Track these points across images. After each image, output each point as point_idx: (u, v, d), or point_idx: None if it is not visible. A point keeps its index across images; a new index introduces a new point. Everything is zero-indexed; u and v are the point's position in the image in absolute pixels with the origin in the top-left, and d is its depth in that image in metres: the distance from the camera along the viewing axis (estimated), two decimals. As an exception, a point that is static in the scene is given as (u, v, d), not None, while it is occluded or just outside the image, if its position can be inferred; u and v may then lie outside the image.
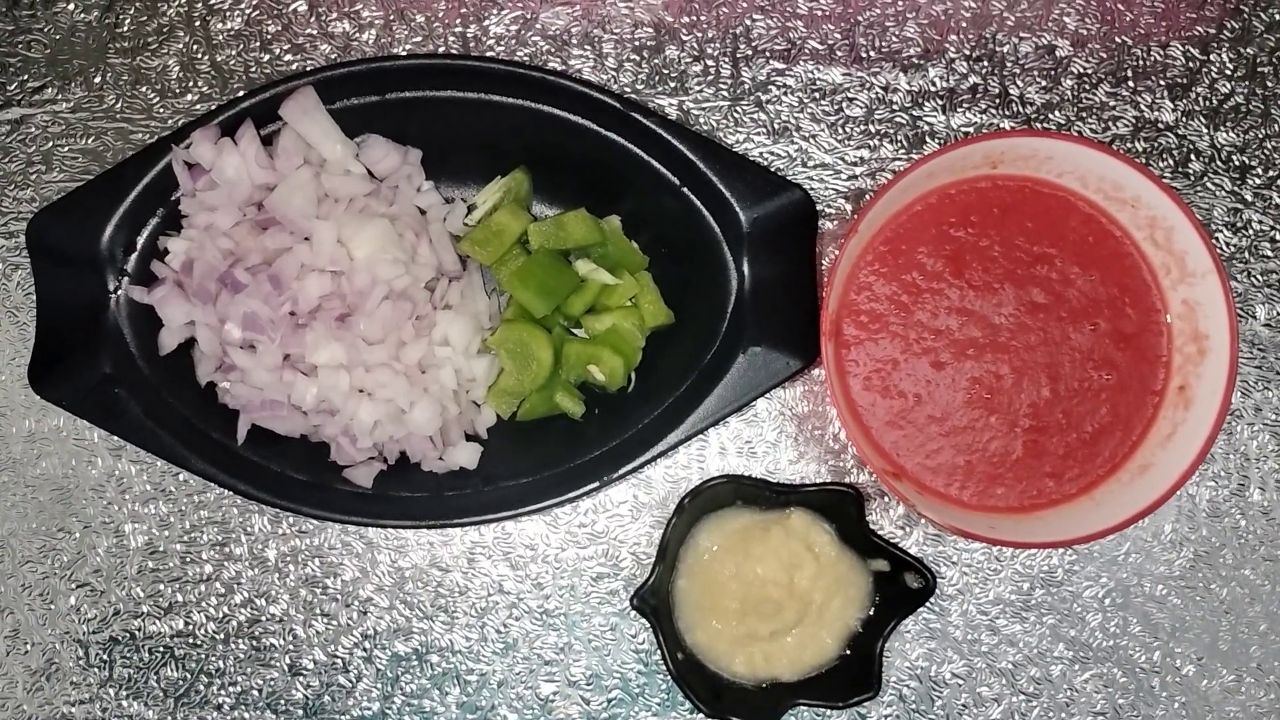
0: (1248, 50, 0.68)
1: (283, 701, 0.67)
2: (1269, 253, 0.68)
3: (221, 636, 0.67)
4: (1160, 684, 0.67)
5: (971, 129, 0.68)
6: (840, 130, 0.68)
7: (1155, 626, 0.67)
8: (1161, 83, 0.68)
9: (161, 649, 0.67)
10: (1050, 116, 0.68)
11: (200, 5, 0.68)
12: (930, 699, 0.67)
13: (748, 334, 0.64)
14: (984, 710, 0.67)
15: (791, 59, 0.68)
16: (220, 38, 0.68)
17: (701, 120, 0.68)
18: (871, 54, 0.68)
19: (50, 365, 0.63)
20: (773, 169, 0.67)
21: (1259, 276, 0.68)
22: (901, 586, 0.64)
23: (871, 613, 0.64)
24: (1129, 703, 0.67)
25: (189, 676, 0.67)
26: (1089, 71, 0.68)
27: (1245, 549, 0.67)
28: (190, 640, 0.67)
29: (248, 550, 0.67)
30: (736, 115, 0.68)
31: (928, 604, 0.65)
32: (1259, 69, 0.68)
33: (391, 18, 0.68)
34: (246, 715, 0.67)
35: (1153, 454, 0.61)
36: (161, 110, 0.68)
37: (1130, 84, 0.68)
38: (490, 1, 0.68)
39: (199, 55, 0.68)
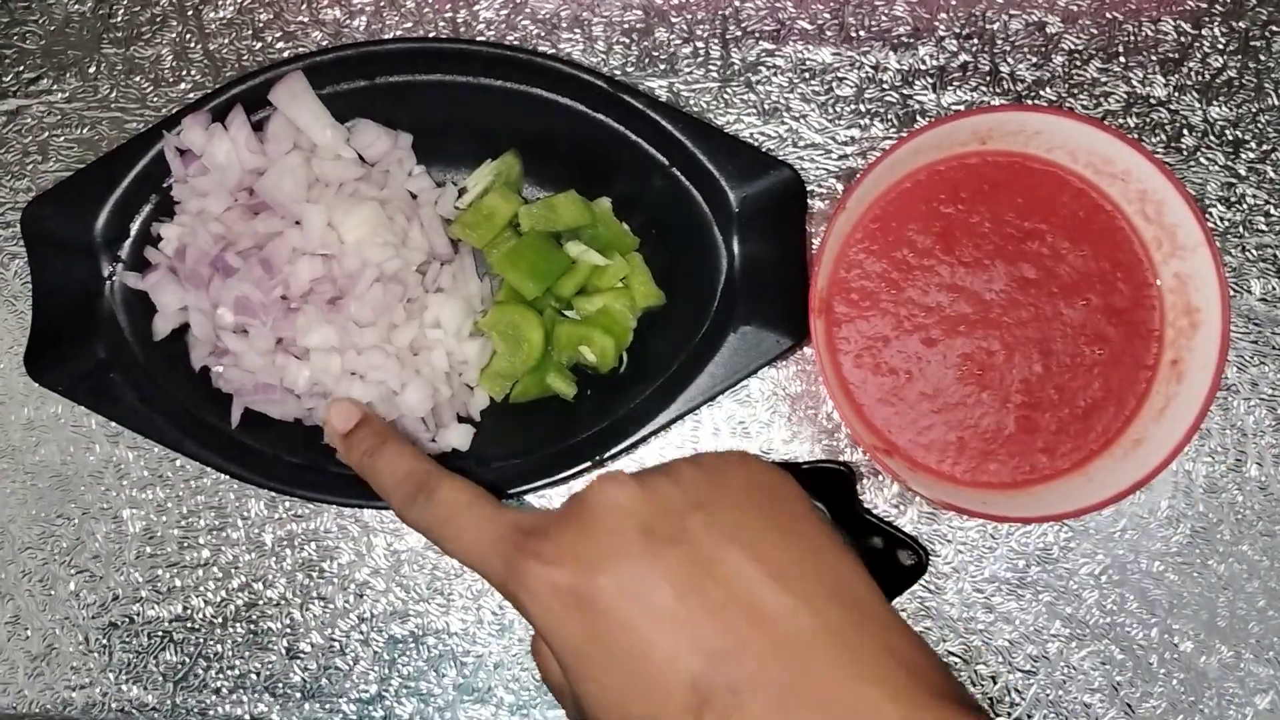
0: (1240, 24, 0.68)
1: (281, 685, 0.67)
2: (1263, 227, 0.67)
3: (219, 621, 0.67)
4: (1158, 661, 0.67)
5: (962, 107, 0.68)
6: (830, 110, 0.68)
7: (1153, 603, 0.67)
8: (1153, 58, 0.68)
9: (160, 633, 0.67)
10: (1042, 93, 0.68)
11: (192, -6, 0.68)
12: (926, 678, 0.66)
13: (738, 313, 0.64)
14: (981, 688, 0.67)
15: (781, 39, 0.68)
16: (213, 26, 0.68)
17: (692, 102, 0.68)
18: (861, 33, 0.68)
19: (47, 352, 0.64)
20: (763, 149, 0.67)
21: (1254, 251, 0.67)
22: (895, 564, 0.63)
23: (866, 591, 0.64)
24: (1126, 680, 0.67)
25: (188, 660, 0.67)
26: (1080, 48, 0.68)
27: (1243, 525, 0.67)
28: (188, 624, 0.67)
29: (244, 535, 0.67)
30: (726, 96, 0.68)
31: (923, 582, 0.65)
32: (1251, 43, 0.68)
33: (382, 4, 0.68)
34: (245, 699, 0.67)
35: (1146, 428, 0.61)
36: (155, 99, 0.68)
37: (1121, 59, 0.68)
38: (480, -14, 0.68)
39: (192, 44, 0.68)
